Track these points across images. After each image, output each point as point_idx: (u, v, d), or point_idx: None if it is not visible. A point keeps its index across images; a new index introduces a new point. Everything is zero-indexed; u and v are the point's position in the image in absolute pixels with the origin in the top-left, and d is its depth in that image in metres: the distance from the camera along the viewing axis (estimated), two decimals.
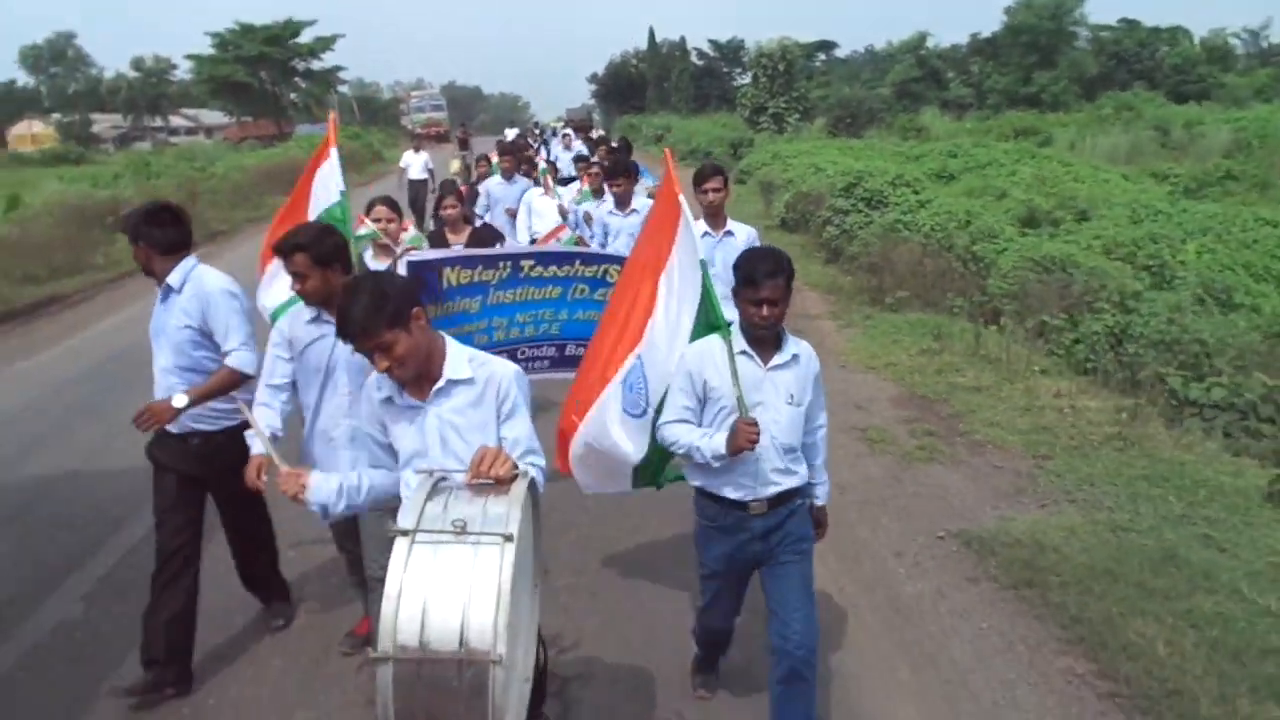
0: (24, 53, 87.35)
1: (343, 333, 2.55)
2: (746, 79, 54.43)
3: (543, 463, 2.65)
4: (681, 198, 3.57)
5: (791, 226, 16.95)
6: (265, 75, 64.17)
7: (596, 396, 3.62)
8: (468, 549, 2.06)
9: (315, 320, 3.56)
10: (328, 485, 2.73)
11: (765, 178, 22.46)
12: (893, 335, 9.01)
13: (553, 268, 4.97)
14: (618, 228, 6.90)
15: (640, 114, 58.47)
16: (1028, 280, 10.36)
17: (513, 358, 4.86)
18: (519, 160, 10.57)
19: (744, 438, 2.99)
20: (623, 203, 6.94)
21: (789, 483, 3.21)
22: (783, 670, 3.20)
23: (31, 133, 73.03)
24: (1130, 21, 59.79)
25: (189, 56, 64.82)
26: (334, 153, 4.17)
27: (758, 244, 5.17)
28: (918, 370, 7.82)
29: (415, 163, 17.30)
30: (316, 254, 3.32)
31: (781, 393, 3.16)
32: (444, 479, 2.32)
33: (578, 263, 5.04)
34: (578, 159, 13.07)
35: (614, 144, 15.12)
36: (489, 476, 2.27)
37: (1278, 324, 9.94)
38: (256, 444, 3.52)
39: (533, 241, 8.08)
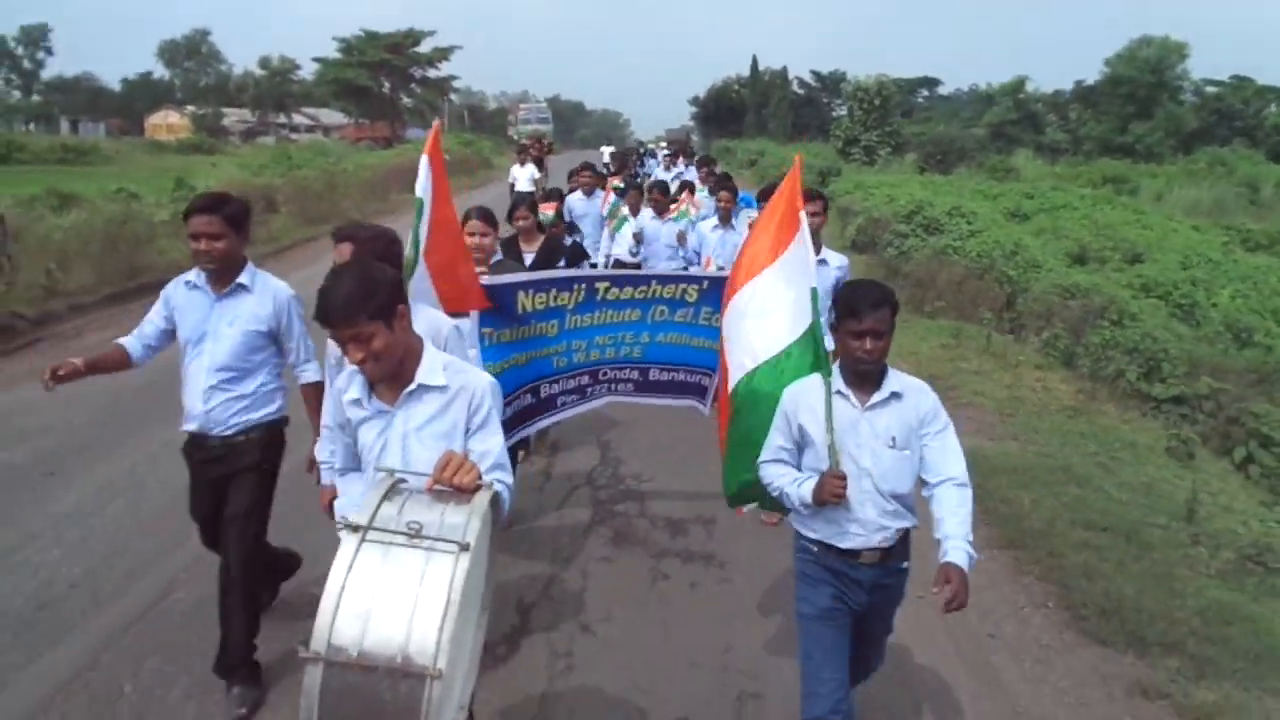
0: (162, 47, 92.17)
1: (321, 315, 2.39)
2: (844, 110, 55.89)
3: (510, 480, 2.51)
4: (803, 214, 3.52)
5: (861, 248, 18.68)
6: (385, 80, 68.02)
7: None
8: (420, 554, 1.97)
9: None
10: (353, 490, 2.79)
11: (845, 204, 24.22)
12: (921, 334, 10.77)
13: (629, 289, 4.92)
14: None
15: (737, 139, 60.17)
16: (1053, 302, 12.04)
17: (595, 378, 5.16)
18: (599, 179, 10.41)
19: (829, 491, 2.85)
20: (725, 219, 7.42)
21: (899, 524, 3.00)
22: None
23: (167, 122, 77.64)
24: (1242, 78, 59.52)
25: (315, 59, 68.85)
26: (425, 160, 3.75)
27: (848, 273, 5.34)
28: (934, 358, 9.57)
29: (522, 175, 17.34)
30: (363, 251, 3.18)
31: (881, 435, 2.94)
32: (404, 481, 2.23)
33: (654, 283, 4.98)
34: (681, 183, 12.08)
35: (717, 170, 14.49)
36: (451, 484, 2.18)
37: None
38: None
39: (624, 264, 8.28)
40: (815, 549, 3.06)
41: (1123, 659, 4.22)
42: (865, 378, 2.97)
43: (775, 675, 3.95)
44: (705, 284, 4.99)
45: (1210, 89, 59.17)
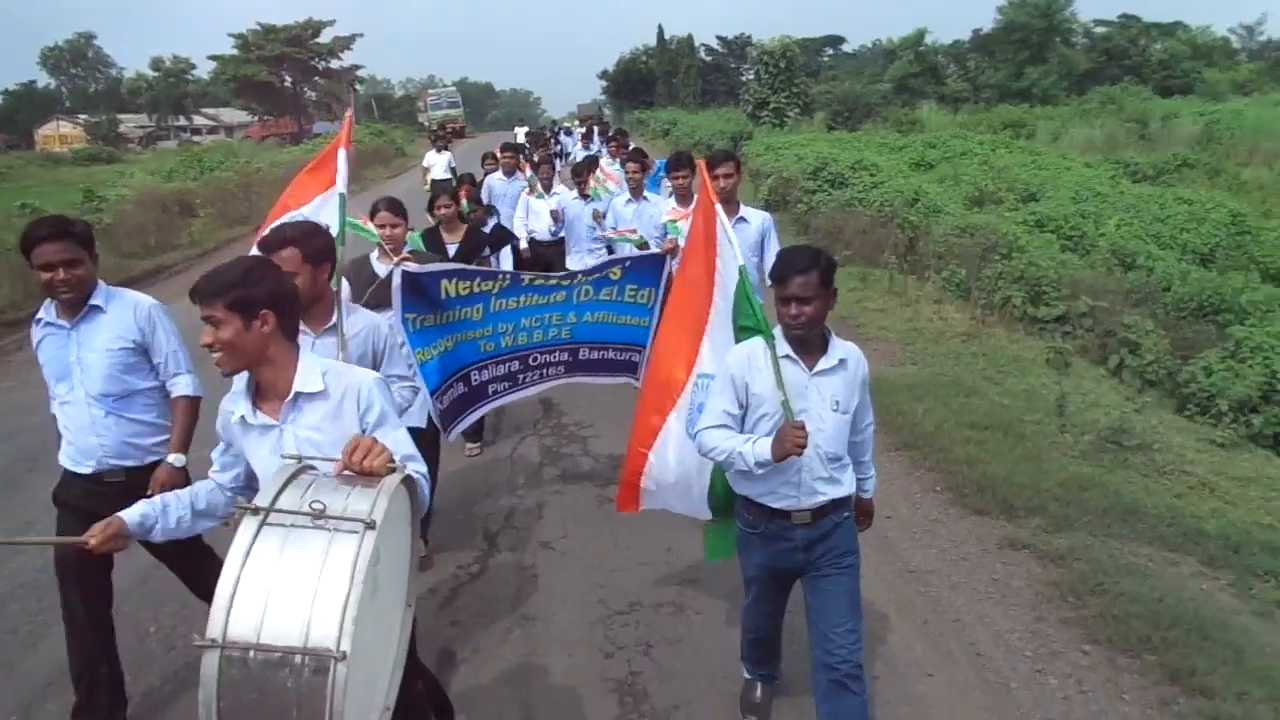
0: (45, 54, 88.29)
1: (192, 290, 2.39)
2: (751, 75, 56.68)
3: (424, 469, 2.43)
4: (719, 207, 3.60)
5: (773, 207, 19.49)
6: (286, 75, 66.88)
7: (659, 428, 3.64)
8: (323, 536, 1.90)
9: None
10: (137, 511, 2.51)
11: (756, 166, 25.04)
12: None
13: (554, 279, 5.08)
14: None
15: (649, 109, 60.52)
16: (951, 243, 12.97)
17: (525, 364, 5.16)
18: (517, 159, 10.32)
19: (791, 442, 2.82)
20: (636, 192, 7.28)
21: (834, 492, 3.06)
22: (825, 684, 3.04)
23: (59, 133, 73.90)
24: (1130, 17, 61.78)
25: (212, 57, 67.38)
26: (342, 153, 3.73)
27: (773, 229, 5.40)
28: (842, 301, 10.19)
29: (439, 162, 16.64)
30: (307, 250, 3.06)
31: (827, 399, 3.00)
32: (312, 467, 2.14)
33: (579, 275, 5.14)
34: (586, 158, 12.02)
35: (629, 143, 14.20)
36: (360, 468, 2.10)
37: (1165, 280, 12.57)
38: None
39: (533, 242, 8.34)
40: (749, 515, 3.16)
41: (995, 523, 5.05)
42: (808, 343, 3.00)
43: (710, 566, 4.64)
44: (628, 262, 5.18)
45: (1099, 29, 61.43)
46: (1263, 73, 55.50)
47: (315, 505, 1.92)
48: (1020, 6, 57.93)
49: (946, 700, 3.63)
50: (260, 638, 1.80)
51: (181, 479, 3.41)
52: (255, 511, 1.91)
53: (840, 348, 3.06)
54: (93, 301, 3.40)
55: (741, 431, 3.08)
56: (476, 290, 4.73)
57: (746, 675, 3.62)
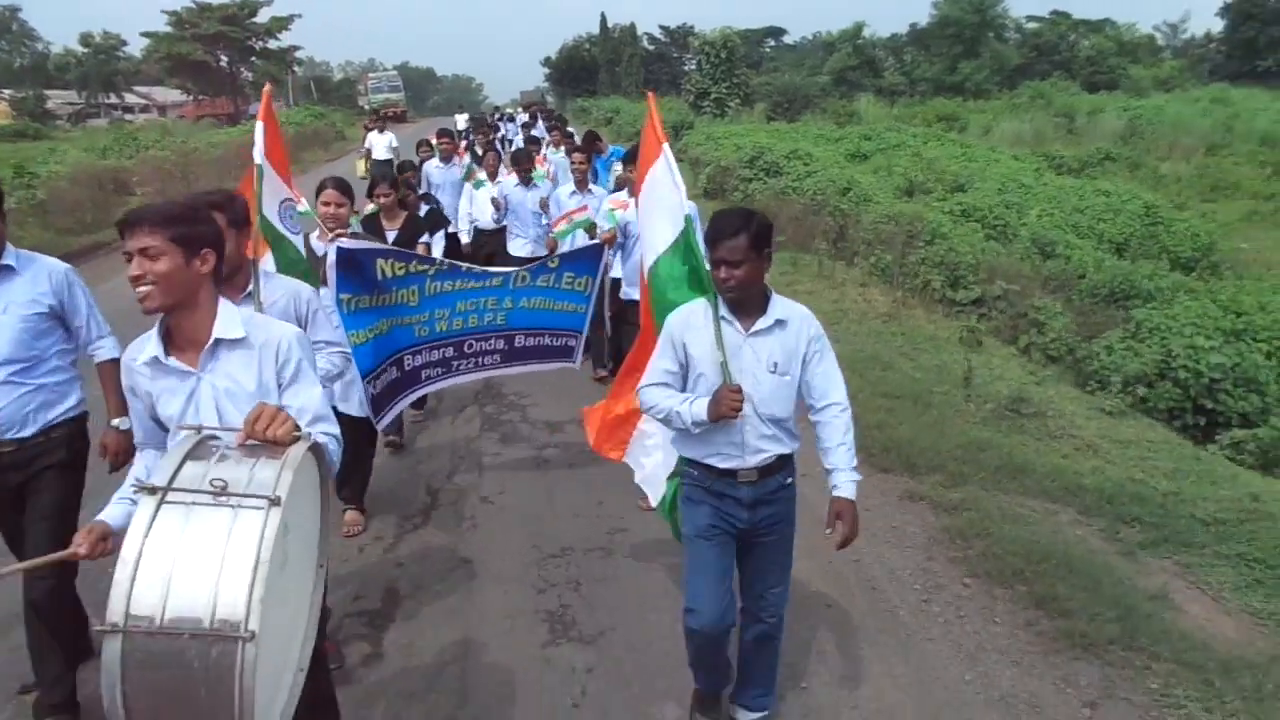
0: None
1: (123, 220, 2.31)
2: (694, 65, 57.12)
3: (336, 431, 2.43)
4: (666, 146, 3.66)
5: (712, 194, 20.02)
6: (222, 54, 65.49)
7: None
8: (226, 513, 1.85)
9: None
10: (117, 511, 2.37)
11: (696, 155, 25.50)
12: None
13: (492, 272, 5.10)
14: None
15: (592, 98, 60.71)
16: (880, 230, 13.55)
17: (459, 351, 5.16)
18: (455, 146, 10.33)
19: (726, 404, 2.88)
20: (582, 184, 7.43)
21: (777, 449, 3.07)
22: (755, 633, 3.24)
23: None
24: (1060, 13, 63.64)
25: (145, 34, 65.52)
26: (259, 125, 3.78)
27: (697, 217, 5.41)
28: (773, 284, 10.91)
29: (379, 143, 16.73)
30: (230, 215, 3.03)
31: (763, 360, 3.01)
32: (214, 438, 2.07)
33: (517, 270, 5.18)
34: (528, 140, 12.79)
35: (571, 132, 14.31)
36: (264, 437, 2.02)
37: (1081, 268, 13.29)
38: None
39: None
40: (695, 471, 3.15)
41: (898, 479, 5.54)
42: (745, 304, 3.00)
43: (638, 518, 5.05)
44: (567, 253, 5.33)
45: (1030, 25, 63.15)
46: (1184, 69, 57.72)
47: (216, 482, 1.86)
48: (954, 2, 59.23)
49: (842, 625, 4.08)
50: (164, 618, 1.75)
51: (128, 442, 3.32)
52: (153, 490, 1.84)
53: (781, 307, 3.04)
54: (4, 262, 3.26)
55: (683, 391, 3.10)
56: (413, 271, 4.72)
57: (697, 686, 3.45)
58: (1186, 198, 24.11)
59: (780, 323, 3.02)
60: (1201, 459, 6.24)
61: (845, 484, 3.04)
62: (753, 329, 3.01)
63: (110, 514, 2.36)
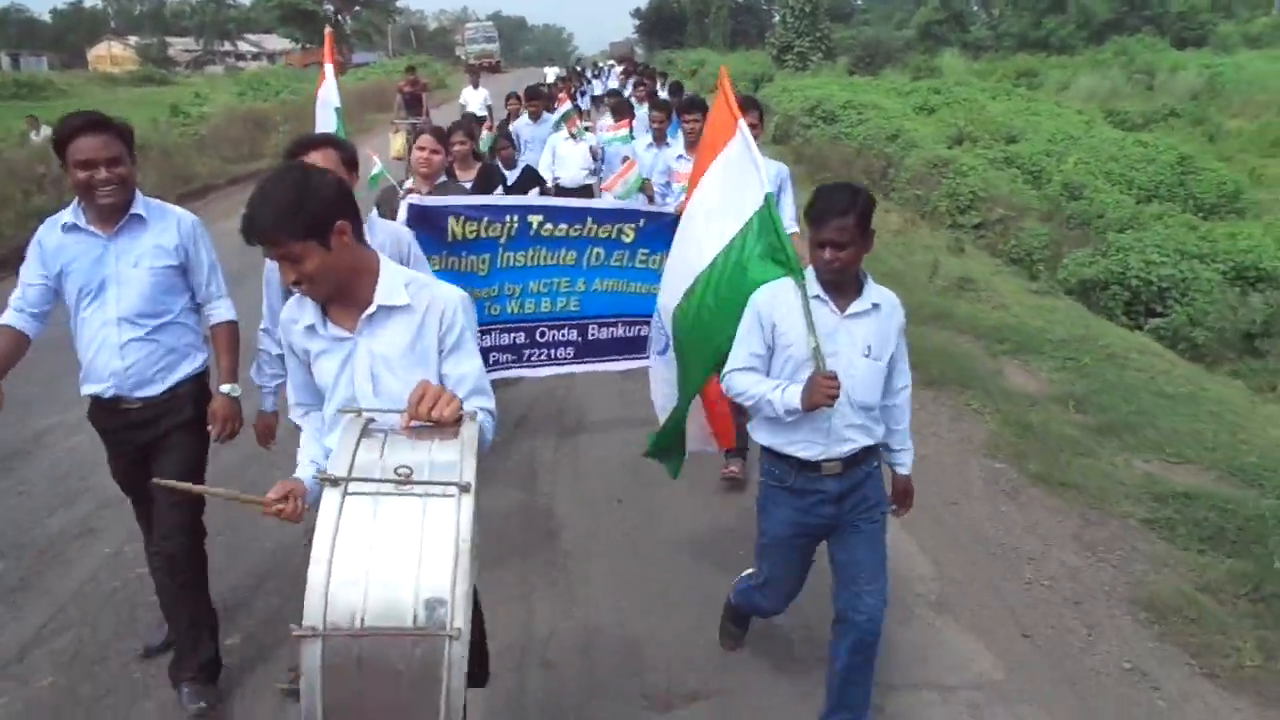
0: None
1: (245, 231, 2.13)
2: (778, 19, 57.98)
3: (492, 406, 2.30)
4: (743, 121, 3.34)
5: (779, 140, 22.36)
6: (329, 4, 68.52)
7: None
8: (415, 502, 1.78)
9: None
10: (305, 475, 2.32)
11: (766, 105, 27.46)
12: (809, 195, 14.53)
13: (564, 225, 4.75)
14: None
15: (680, 49, 61.43)
16: (917, 170, 15.79)
17: (532, 339, 4.95)
18: (546, 103, 10.27)
19: (821, 393, 2.71)
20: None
21: (865, 440, 2.93)
22: (850, 642, 3.01)
23: (111, 54, 75.33)
24: None
25: None
26: (329, 69, 3.35)
27: (789, 183, 5.14)
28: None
29: (474, 99, 16.51)
30: (344, 154, 2.98)
31: (858, 344, 2.85)
32: (373, 420, 2.00)
33: (590, 221, 4.80)
34: (609, 93, 13.71)
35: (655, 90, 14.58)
36: (430, 419, 1.97)
37: (1101, 209, 15.26)
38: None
39: (557, 188, 8.10)
40: (776, 469, 3.03)
41: None
42: (841, 286, 2.87)
43: (648, 508, 4.83)
44: (642, 221, 4.95)
45: None
46: (1277, 26, 56.41)
47: (401, 470, 1.80)
48: None
49: None
50: (365, 620, 1.69)
51: (236, 409, 3.32)
52: (335, 482, 1.78)
53: (875, 292, 2.93)
54: (134, 210, 3.10)
55: (769, 375, 2.96)
56: (485, 234, 4.57)
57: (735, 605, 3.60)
58: (1237, 152, 25.06)
59: (876, 306, 2.92)
60: (1088, 319, 8.57)
61: (909, 463, 3.15)
62: (849, 311, 2.89)
63: (305, 476, 2.33)
